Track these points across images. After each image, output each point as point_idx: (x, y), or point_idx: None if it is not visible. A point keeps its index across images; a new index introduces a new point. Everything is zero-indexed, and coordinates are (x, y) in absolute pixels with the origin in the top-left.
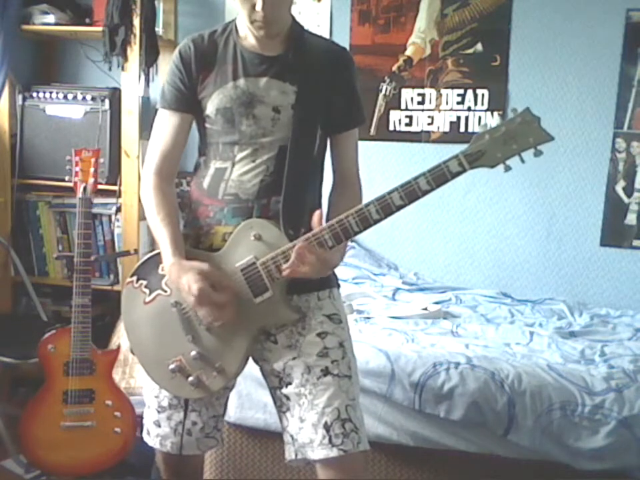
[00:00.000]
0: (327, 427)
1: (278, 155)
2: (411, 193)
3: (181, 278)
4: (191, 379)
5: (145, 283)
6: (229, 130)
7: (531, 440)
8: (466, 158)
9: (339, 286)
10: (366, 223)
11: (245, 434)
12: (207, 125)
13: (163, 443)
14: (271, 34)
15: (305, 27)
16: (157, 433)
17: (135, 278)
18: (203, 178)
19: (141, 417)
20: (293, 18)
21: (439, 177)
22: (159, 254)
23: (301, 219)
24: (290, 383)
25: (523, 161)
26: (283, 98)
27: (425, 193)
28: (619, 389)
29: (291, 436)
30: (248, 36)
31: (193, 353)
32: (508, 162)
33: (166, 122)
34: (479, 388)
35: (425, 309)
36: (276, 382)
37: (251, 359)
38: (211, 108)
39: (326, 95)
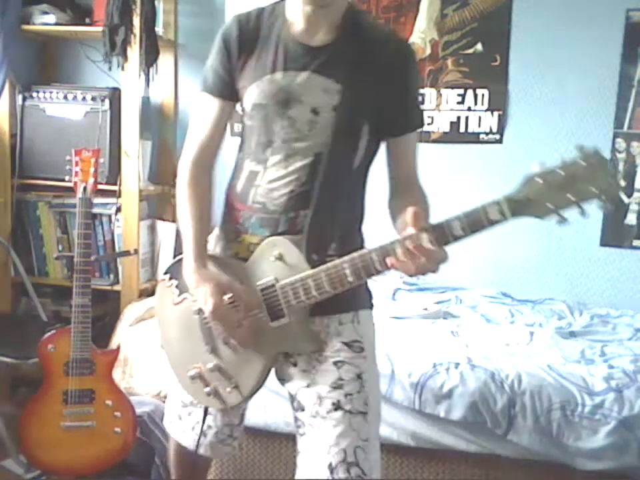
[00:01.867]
0: (330, 469)
1: (312, 163)
2: (441, 237)
3: (199, 287)
4: (207, 389)
5: (175, 283)
6: (263, 129)
7: (530, 440)
8: (509, 206)
9: (372, 306)
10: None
11: (245, 434)
12: (245, 119)
13: (182, 437)
14: (323, 1)
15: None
16: (178, 425)
17: (167, 276)
18: (238, 179)
19: (141, 417)
20: (350, 2)
21: (474, 223)
22: None
23: (330, 240)
24: (302, 409)
25: (583, 213)
26: (324, 98)
27: (457, 239)
28: (619, 389)
29: (301, 462)
30: (296, 20)
31: (211, 364)
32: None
33: (206, 108)
34: (479, 388)
35: (425, 309)
36: (294, 403)
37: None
38: (247, 101)
39: (377, 96)
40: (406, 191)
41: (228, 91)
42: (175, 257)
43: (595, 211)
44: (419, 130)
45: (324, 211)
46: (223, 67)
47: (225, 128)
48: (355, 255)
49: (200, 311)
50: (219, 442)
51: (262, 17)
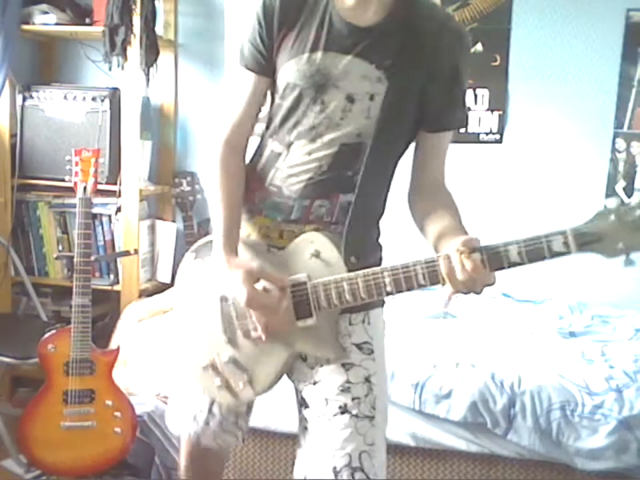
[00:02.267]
0: (335, 472)
1: (337, 154)
2: (495, 261)
3: (229, 276)
4: (219, 381)
5: (202, 262)
6: (293, 111)
7: (530, 440)
8: (575, 239)
9: (382, 304)
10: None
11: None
12: (276, 97)
13: (183, 429)
14: None
15: None
16: (178, 417)
17: (194, 255)
18: (260, 157)
19: (141, 417)
20: None
21: (535, 252)
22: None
23: (369, 233)
24: (307, 407)
25: None
26: (362, 85)
27: (512, 265)
28: (619, 389)
29: (302, 458)
30: None
31: (226, 355)
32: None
33: (241, 84)
34: (479, 388)
35: (426, 309)
36: (298, 398)
37: None
38: (282, 79)
39: (424, 87)
40: (435, 192)
41: (265, 66)
42: (175, 257)
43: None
44: (461, 129)
45: (362, 217)
46: (262, 39)
47: (260, 106)
48: (397, 265)
49: (223, 299)
50: (222, 431)
51: None
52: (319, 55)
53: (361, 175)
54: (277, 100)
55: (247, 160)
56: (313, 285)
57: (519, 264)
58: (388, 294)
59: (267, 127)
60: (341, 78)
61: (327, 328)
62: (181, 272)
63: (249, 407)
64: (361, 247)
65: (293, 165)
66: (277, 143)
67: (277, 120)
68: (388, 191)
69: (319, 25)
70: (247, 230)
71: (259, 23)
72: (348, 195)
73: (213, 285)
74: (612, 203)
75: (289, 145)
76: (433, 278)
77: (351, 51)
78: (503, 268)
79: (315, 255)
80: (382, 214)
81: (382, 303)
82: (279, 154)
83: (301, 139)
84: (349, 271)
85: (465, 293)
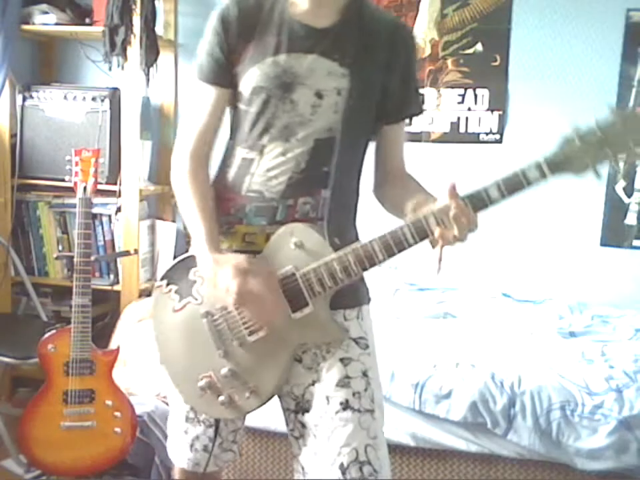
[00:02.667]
0: (342, 469)
1: (313, 149)
2: (477, 201)
3: (217, 275)
4: (221, 398)
5: (175, 288)
6: (262, 115)
7: (531, 440)
8: (548, 165)
9: (369, 301)
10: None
11: (245, 434)
12: (239, 105)
13: (179, 459)
14: None
15: None
16: (173, 447)
17: (164, 282)
18: (229, 168)
19: (141, 417)
20: None
21: (513, 184)
22: (190, 257)
23: (346, 224)
24: (307, 411)
25: (617, 168)
26: (328, 81)
27: (494, 201)
28: (619, 389)
29: (302, 467)
30: (300, 0)
31: (225, 369)
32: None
33: (202, 97)
34: (479, 388)
35: (425, 308)
36: (292, 405)
37: None
38: (245, 85)
39: (382, 80)
40: (399, 175)
41: (225, 77)
42: (175, 257)
43: (595, 211)
44: (415, 116)
45: (340, 196)
46: (221, 49)
47: (222, 118)
48: (383, 233)
49: (208, 314)
50: (222, 452)
51: None
52: (282, 57)
53: (334, 168)
54: (243, 107)
55: (214, 172)
56: (303, 274)
57: (501, 199)
58: (380, 262)
59: (231, 137)
60: (308, 76)
61: (322, 312)
62: (154, 304)
63: (244, 418)
64: (342, 234)
65: (269, 167)
66: (248, 150)
67: (244, 127)
68: (359, 182)
69: (278, 30)
70: (228, 242)
71: (217, 36)
72: (327, 189)
73: (193, 305)
74: (571, 129)
75: (262, 149)
76: (422, 234)
77: (313, 50)
78: (486, 207)
79: (299, 245)
80: (356, 204)
81: (369, 300)
82: (252, 160)
83: (273, 141)
84: (335, 251)
85: (451, 245)
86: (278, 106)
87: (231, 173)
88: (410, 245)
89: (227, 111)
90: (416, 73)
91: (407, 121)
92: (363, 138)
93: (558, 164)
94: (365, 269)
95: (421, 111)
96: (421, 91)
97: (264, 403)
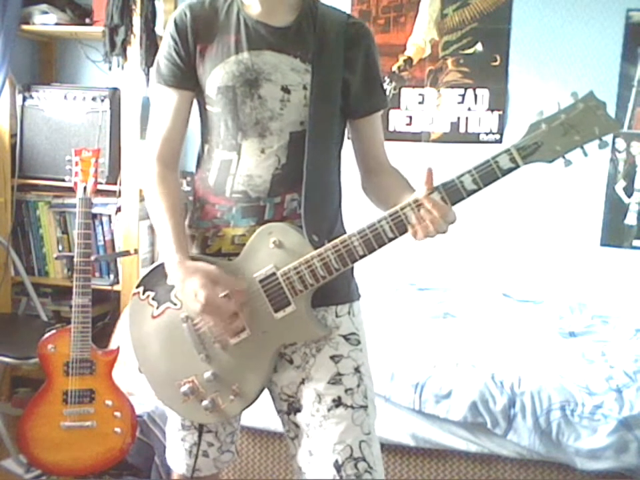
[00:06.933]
0: (337, 467)
1: (290, 143)
2: (453, 193)
3: (185, 282)
4: (205, 402)
5: (152, 294)
6: (232, 114)
7: (530, 440)
8: (519, 152)
9: (359, 297)
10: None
11: (245, 434)
12: (208, 107)
13: (177, 465)
14: None
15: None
16: (171, 454)
17: (141, 289)
18: (208, 172)
19: (141, 417)
20: None
21: (487, 174)
22: None
23: (325, 220)
24: (299, 410)
25: (586, 154)
26: (294, 76)
27: (471, 193)
28: (619, 389)
29: (299, 467)
30: (252, 3)
31: (207, 373)
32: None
33: (164, 100)
34: (479, 388)
35: (425, 308)
36: (285, 406)
37: None
38: (210, 86)
39: (343, 75)
40: (381, 170)
41: (186, 80)
42: None
43: (595, 211)
44: (382, 111)
45: (315, 192)
46: (178, 55)
47: (187, 121)
48: (362, 227)
49: (188, 318)
50: (221, 454)
51: (216, 1)
52: (245, 54)
53: (306, 162)
54: (211, 109)
55: (196, 178)
56: (283, 273)
57: (476, 190)
58: (361, 257)
59: (206, 141)
60: (272, 72)
61: (304, 311)
62: (131, 311)
63: (240, 419)
64: (322, 231)
65: (250, 166)
66: (225, 151)
67: (217, 129)
68: (339, 176)
69: (236, 30)
70: (217, 245)
71: (174, 41)
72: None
73: (172, 310)
74: (538, 115)
75: (239, 148)
76: (401, 228)
77: (274, 47)
78: (462, 199)
79: (277, 244)
80: (339, 198)
81: (359, 296)
82: (231, 160)
83: (248, 138)
84: (315, 248)
85: (432, 237)
86: (246, 103)
87: (212, 177)
88: (390, 239)
89: (196, 115)
90: (378, 68)
91: (378, 115)
92: (335, 132)
93: (527, 149)
94: (346, 265)
95: (386, 105)
96: (421, 90)
97: (248, 406)
